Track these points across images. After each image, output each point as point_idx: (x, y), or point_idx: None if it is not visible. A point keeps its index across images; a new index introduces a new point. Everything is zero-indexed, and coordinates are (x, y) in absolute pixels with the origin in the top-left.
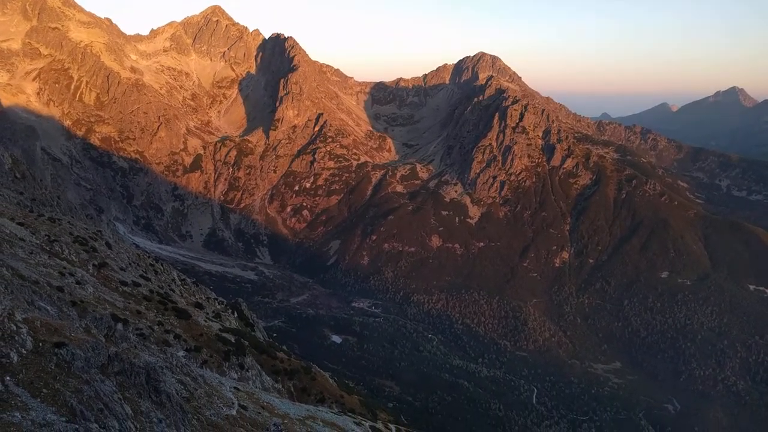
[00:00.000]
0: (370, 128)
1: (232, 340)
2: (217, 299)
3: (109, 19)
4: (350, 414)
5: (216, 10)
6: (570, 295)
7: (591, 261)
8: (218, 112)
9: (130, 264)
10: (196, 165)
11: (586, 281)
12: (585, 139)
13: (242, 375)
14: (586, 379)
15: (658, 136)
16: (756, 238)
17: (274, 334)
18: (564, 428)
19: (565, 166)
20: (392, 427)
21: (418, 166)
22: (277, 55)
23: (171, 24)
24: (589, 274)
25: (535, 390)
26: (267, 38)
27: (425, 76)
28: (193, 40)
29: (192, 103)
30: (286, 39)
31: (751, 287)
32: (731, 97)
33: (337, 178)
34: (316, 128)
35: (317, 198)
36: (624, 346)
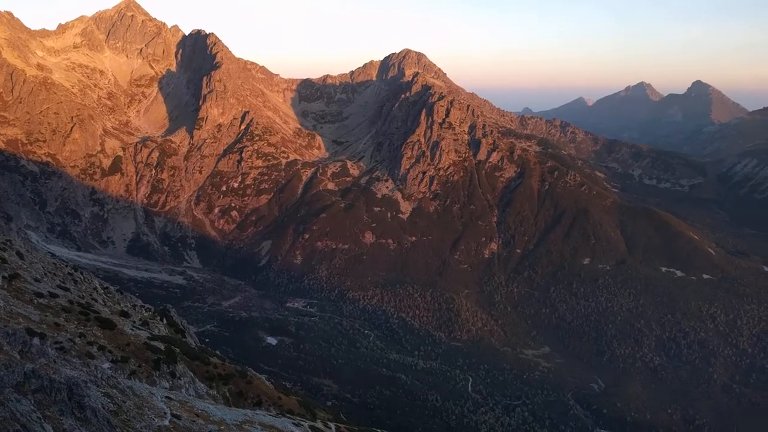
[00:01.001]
0: (299, 126)
1: (162, 348)
2: (144, 306)
3: (9, 13)
4: (289, 415)
5: (130, 5)
6: (500, 284)
7: (518, 251)
8: (137, 111)
9: (45, 274)
10: (116, 167)
11: (514, 270)
12: (509, 133)
13: (174, 383)
14: (518, 365)
15: (576, 129)
16: (666, 223)
17: (207, 340)
18: (499, 414)
19: (490, 160)
20: (332, 425)
21: (349, 164)
22: (199, 52)
23: (81, 18)
24: (517, 263)
25: (470, 379)
26: (187, 34)
27: (352, 72)
28: (107, 36)
29: (108, 102)
30: (207, 35)
31: (663, 269)
32: (639, 91)
33: (266, 177)
34: (243, 126)
35: (246, 198)
36: (552, 331)
